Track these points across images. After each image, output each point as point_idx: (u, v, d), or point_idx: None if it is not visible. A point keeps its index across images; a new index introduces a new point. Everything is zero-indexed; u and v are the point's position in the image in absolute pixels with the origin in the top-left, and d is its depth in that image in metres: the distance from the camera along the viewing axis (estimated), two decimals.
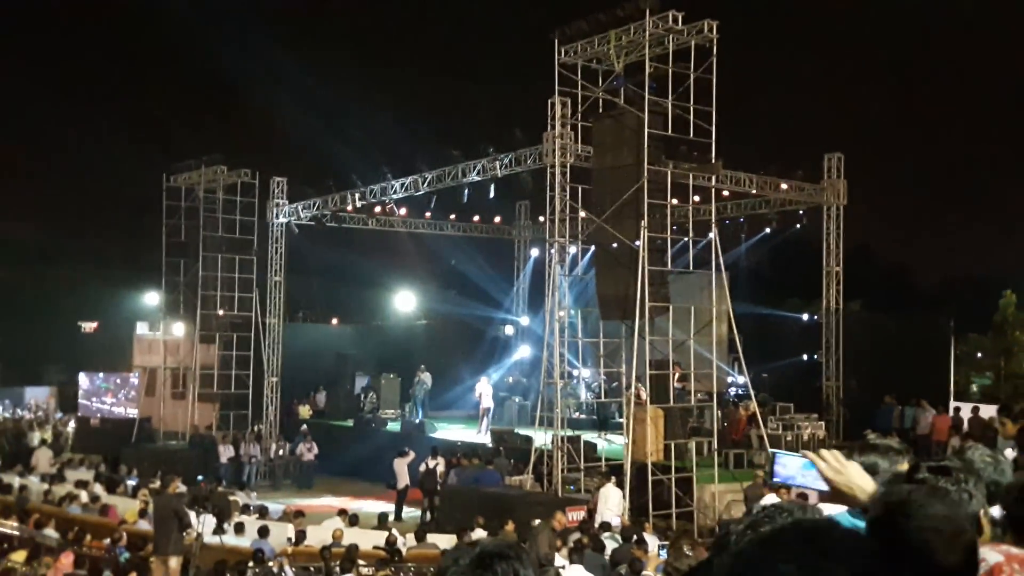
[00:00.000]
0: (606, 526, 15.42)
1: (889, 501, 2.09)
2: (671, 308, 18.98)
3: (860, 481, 2.71)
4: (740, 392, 24.17)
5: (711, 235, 19.80)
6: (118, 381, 34.91)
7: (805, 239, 27.70)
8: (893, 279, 39.54)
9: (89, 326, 28.68)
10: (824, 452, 2.81)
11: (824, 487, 2.77)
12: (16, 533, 15.19)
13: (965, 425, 21.38)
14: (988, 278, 36.95)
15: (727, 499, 18.67)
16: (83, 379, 36.31)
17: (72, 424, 36.70)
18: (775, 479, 2.92)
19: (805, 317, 29.86)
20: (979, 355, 36.14)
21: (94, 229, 54.10)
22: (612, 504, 16.86)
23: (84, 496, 18.97)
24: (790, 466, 2.87)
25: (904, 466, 3.30)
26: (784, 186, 24.80)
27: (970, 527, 2.17)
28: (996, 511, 3.20)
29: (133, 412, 33.13)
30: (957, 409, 22.48)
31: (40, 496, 19.69)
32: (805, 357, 27.54)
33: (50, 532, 15.35)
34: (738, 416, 21.95)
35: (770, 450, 3.49)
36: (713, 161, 19.35)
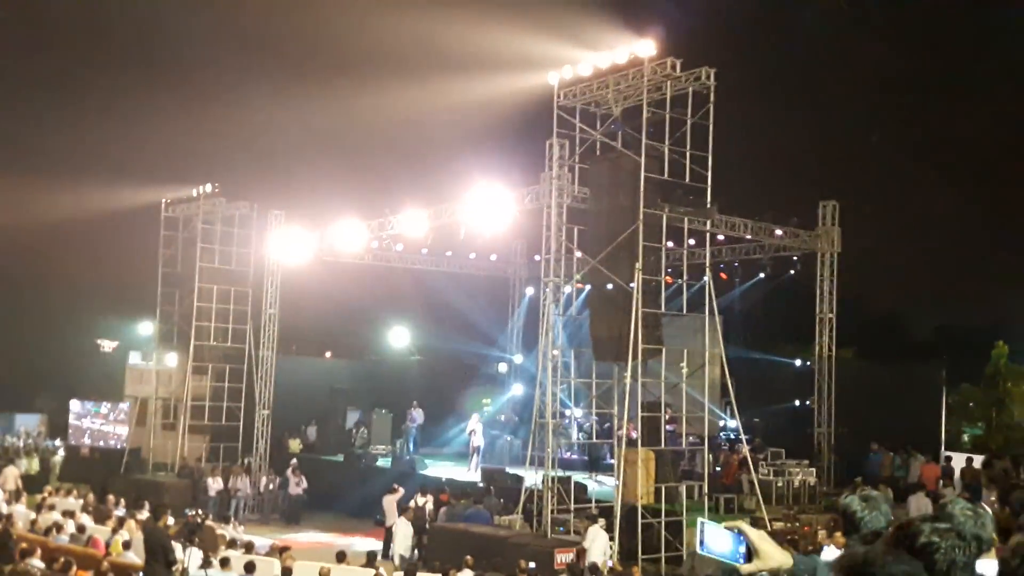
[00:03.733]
0: (594, 568, 15.36)
1: (852, 564, 2.12)
2: (664, 350, 19.04)
3: (780, 557, 2.78)
4: (732, 436, 24.17)
5: (705, 279, 19.92)
6: (109, 405, 34.80)
7: (799, 285, 27.85)
8: (886, 327, 39.62)
9: (110, 344, 28.76)
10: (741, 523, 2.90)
11: (745, 567, 2.85)
12: None
13: (957, 474, 21.39)
14: (981, 329, 37.06)
15: None
16: (74, 404, 36.18)
17: (61, 452, 36.51)
18: (700, 549, 2.99)
19: (798, 363, 29.93)
20: (971, 405, 36.13)
21: (88, 257, 54.07)
22: (599, 546, 16.81)
23: (71, 526, 18.82)
24: (717, 537, 2.94)
25: (882, 520, 3.34)
26: (779, 232, 24.99)
27: None
28: (980, 566, 3.23)
29: (123, 431, 32.96)
30: (948, 458, 22.49)
31: (27, 525, 19.53)
32: (797, 403, 27.57)
33: (36, 562, 15.22)
34: (730, 460, 21.93)
35: (699, 520, 3.52)
36: (708, 206, 19.52)
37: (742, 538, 2.82)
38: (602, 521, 17.87)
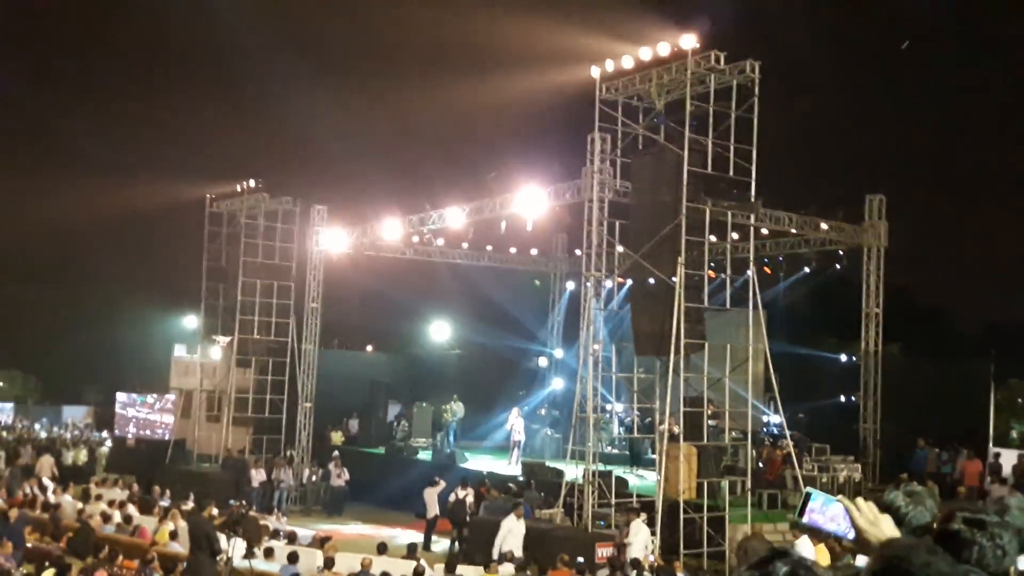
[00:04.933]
0: (636, 563, 15.28)
1: (890, 555, 2.07)
2: (707, 345, 18.89)
3: (892, 535, 2.68)
4: (775, 432, 23.93)
5: (749, 273, 19.72)
6: (155, 396, 35.34)
7: (845, 279, 27.48)
8: (933, 322, 39.04)
9: (222, 340, 29.31)
10: (860, 501, 2.78)
11: (852, 536, 2.74)
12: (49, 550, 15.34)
13: (1006, 470, 21.02)
14: None
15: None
16: (121, 397, 36.78)
17: (108, 444, 37.11)
18: (803, 519, 2.87)
19: (843, 358, 29.54)
20: (1020, 401, 35.51)
21: (136, 252, 54.92)
22: (641, 540, 16.72)
23: (117, 516, 19.11)
24: (822, 508, 2.83)
25: (927, 516, 3.26)
26: (824, 226, 24.66)
27: None
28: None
29: (169, 421, 33.45)
30: (997, 455, 22.11)
31: (74, 515, 19.87)
32: (843, 398, 27.21)
33: None
34: (774, 456, 21.72)
35: (805, 488, 3.43)
36: (752, 199, 19.33)
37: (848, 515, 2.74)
38: (644, 515, 17.79)
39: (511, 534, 17.28)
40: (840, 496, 2.88)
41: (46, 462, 26.43)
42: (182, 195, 32.95)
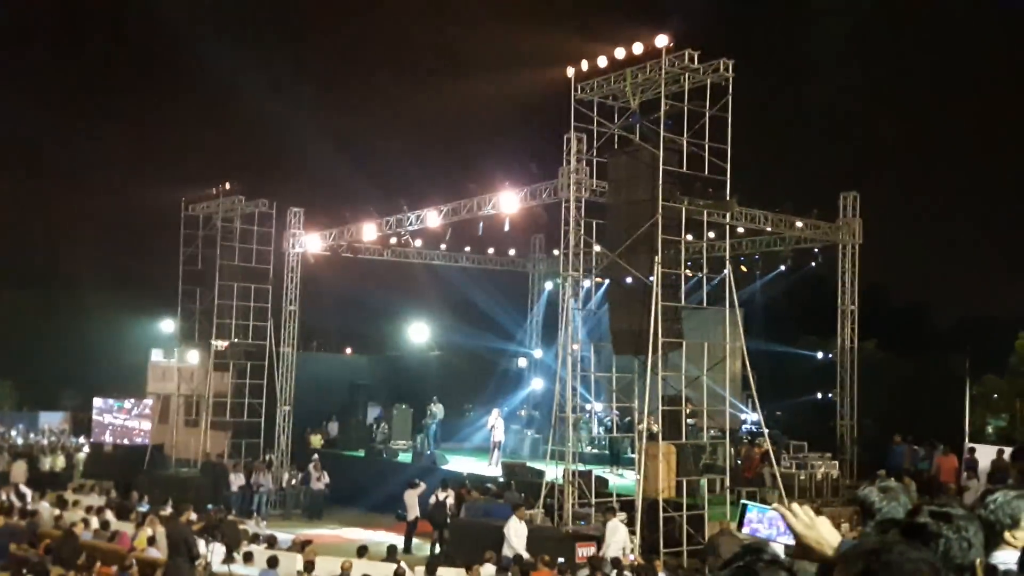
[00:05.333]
0: (616, 562, 15.32)
1: (864, 550, 2.08)
2: (684, 344, 18.97)
3: (830, 537, 2.69)
4: (754, 429, 24.05)
5: (725, 271, 19.82)
6: (133, 401, 35.09)
7: (820, 277, 27.69)
8: (909, 318, 39.36)
9: (222, 344, 29.04)
10: (795, 506, 2.80)
11: (791, 542, 2.76)
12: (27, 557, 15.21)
13: (982, 465, 21.20)
14: (1004, 319, 36.75)
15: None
16: (97, 402, 36.49)
17: (85, 450, 36.81)
18: (743, 529, 2.90)
19: (820, 355, 29.73)
20: (995, 396, 35.85)
21: (111, 255, 54.53)
22: (619, 539, 16.75)
23: (95, 522, 18.98)
24: (760, 518, 2.86)
25: (900, 511, 3.30)
26: (799, 224, 24.84)
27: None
28: (1002, 557, 3.18)
29: (147, 427, 33.23)
30: (972, 450, 22.30)
31: (51, 521, 19.71)
32: (819, 395, 27.39)
33: None
34: (752, 454, 21.83)
35: (741, 501, 3.44)
36: (728, 198, 19.42)
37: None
38: (622, 515, 17.83)
39: (516, 536, 17.06)
40: (774, 504, 2.90)
41: (19, 468, 26.20)
42: (157, 198, 32.78)
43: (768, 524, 2.82)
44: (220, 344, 29.16)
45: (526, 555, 16.30)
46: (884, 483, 3.56)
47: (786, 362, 28.38)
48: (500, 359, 33.29)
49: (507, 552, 16.48)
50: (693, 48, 18.69)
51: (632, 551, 17.07)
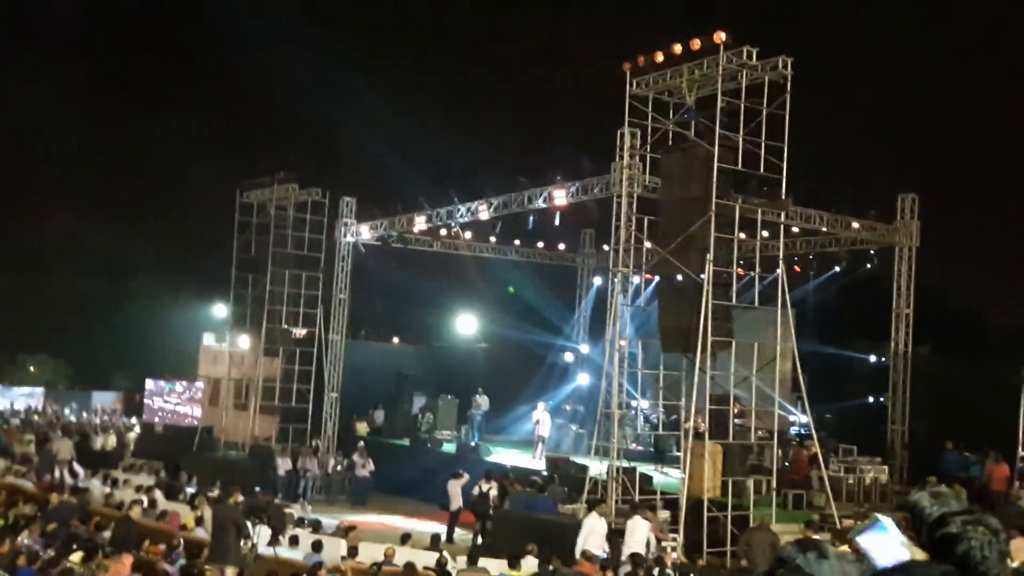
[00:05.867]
0: (637, 558, 15.11)
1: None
2: (734, 343, 18.77)
3: None
4: (802, 431, 23.77)
5: (778, 271, 19.57)
6: (184, 384, 35.68)
7: (875, 279, 27.25)
8: (965, 324, 38.58)
9: (299, 332, 29.49)
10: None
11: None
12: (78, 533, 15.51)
13: None
14: None
15: (784, 540, 18.31)
16: (149, 384, 37.16)
17: (136, 430, 37.50)
18: (859, 539, 2.81)
19: (873, 359, 29.28)
20: None
21: (166, 241, 55.46)
22: (639, 537, 16.36)
23: (144, 501, 19.30)
24: (881, 540, 2.77)
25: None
26: (856, 225, 24.46)
27: None
28: None
29: (197, 412, 33.76)
30: None
31: (102, 499, 20.09)
32: (871, 399, 26.97)
33: (108, 535, 15.65)
34: (800, 456, 21.58)
35: (875, 515, 3.33)
36: (783, 197, 19.18)
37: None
38: (664, 513, 17.70)
39: (593, 533, 16.36)
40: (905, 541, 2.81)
41: (66, 446, 26.72)
42: (213, 186, 33.25)
43: (882, 547, 2.75)
44: (299, 332, 29.34)
45: (601, 554, 15.65)
46: (935, 488, 3.48)
47: (838, 365, 28.00)
48: (547, 353, 33.24)
49: (635, 549, 15.64)
50: (752, 45, 18.47)
51: (675, 549, 16.96)
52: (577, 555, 15.36)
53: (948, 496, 3.40)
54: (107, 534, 15.65)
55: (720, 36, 18.45)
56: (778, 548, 2.53)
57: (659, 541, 16.68)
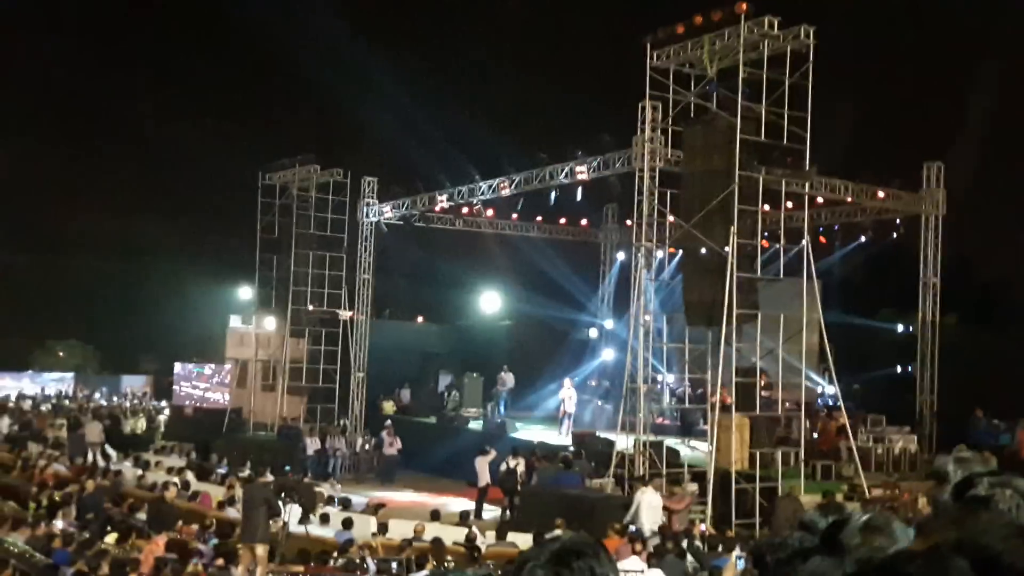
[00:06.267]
0: (664, 530, 15.12)
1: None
2: (759, 316, 18.70)
3: None
4: (830, 402, 23.69)
5: (804, 242, 19.45)
6: (213, 367, 35.97)
7: (902, 249, 27.00)
8: (993, 293, 38.19)
9: (345, 314, 29.67)
10: None
11: None
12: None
13: None
14: None
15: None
16: (177, 367, 37.48)
17: (166, 412, 37.91)
18: None
19: (900, 328, 29.08)
20: None
21: (190, 224, 55.78)
22: (642, 513, 16.18)
23: (178, 483, 19.54)
24: None
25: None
26: (881, 194, 24.22)
27: None
28: None
29: (226, 397, 34.06)
30: None
31: (134, 481, 20.36)
32: (899, 369, 26.81)
33: (142, 516, 15.88)
34: (828, 427, 21.52)
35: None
36: (807, 168, 19.03)
37: None
38: (693, 486, 17.70)
39: (650, 508, 16.07)
40: None
41: (94, 429, 27.07)
42: (236, 168, 33.34)
43: None
44: (345, 314, 29.39)
45: (655, 529, 15.43)
46: (960, 454, 3.48)
47: (865, 335, 27.78)
48: (571, 329, 33.22)
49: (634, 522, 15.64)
50: (773, 14, 18.27)
51: (703, 521, 16.99)
52: (631, 527, 15.08)
53: (973, 461, 3.40)
54: (141, 515, 15.88)
55: (742, 6, 18.25)
56: (800, 514, 2.51)
57: (669, 512, 16.49)
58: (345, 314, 29.44)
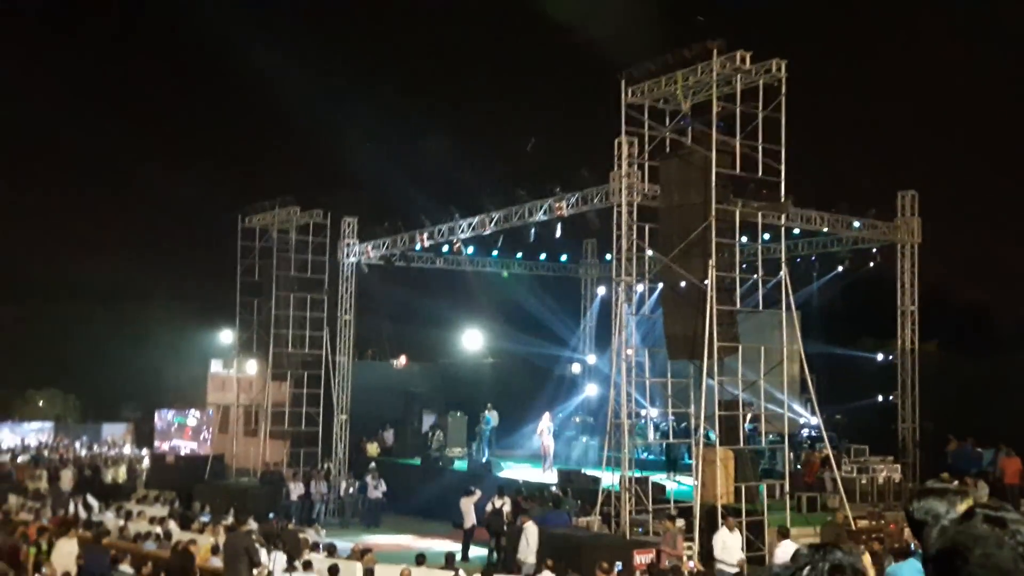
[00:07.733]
0: (676, 570, 15.15)
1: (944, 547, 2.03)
2: (740, 348, 18.75)
3: None
4: (813, 434, 23.71)
5: (781, 274, 19.56)
6: (197, 415, 35.65)
7: (879, 277, 27.19)
8: (971, 319, 38.48)
9: (399, 363, 29.44)
10: None
11: None
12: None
13: None
14: None
15: (800, 543, 18.24)
16: (157, 417, 37.14)
17: (146, 461, 37.48)
18: None
19: (880, 357, 29.22)
20: None
21: (170, 268, 55.57)
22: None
23: (159, 532, 19.28)
24: None
25: (962, 508, 3.18)
26: (856, 224, 24.44)
27: None
28: None
29: (207, 442, 33.77)
30: None
31: (116, 531, 20.06)
32: (880, 398, 26.90)
33: (125, 568, 15.62)
34: (812, 458, 21.52)
35: None
36: (782, 199, 19.18)
37: None
38: (680, 521, 17.65)
39: (726, 548, 15.99)
40: None
41: (66, 476, 26.83)
42: (215, 210, 33.29)
43: None
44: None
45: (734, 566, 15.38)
46: (943, 485, 3.45)
47: (845, 365, 27.93)
48: (554, 365, 33.21)
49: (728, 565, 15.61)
50: (745, 49, 18.50)
51: (691, 558, 16.90)
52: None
53: (963, 493, 3.36)
54: (124, 567, 15.60)
55: (714, 43, 18.48)
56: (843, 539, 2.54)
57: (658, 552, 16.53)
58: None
